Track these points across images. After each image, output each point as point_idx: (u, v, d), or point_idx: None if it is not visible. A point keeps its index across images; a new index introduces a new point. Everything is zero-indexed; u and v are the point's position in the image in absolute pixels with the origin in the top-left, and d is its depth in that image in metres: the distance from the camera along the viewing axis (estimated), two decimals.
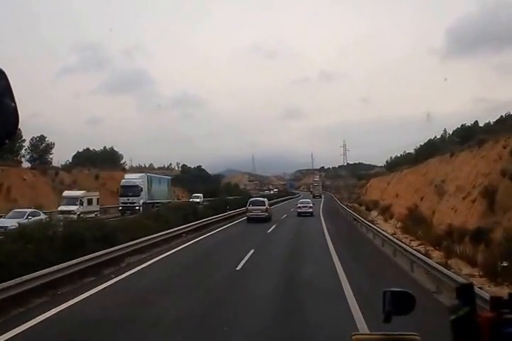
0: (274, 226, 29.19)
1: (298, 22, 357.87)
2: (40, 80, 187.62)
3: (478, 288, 9.81)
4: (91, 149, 77.18)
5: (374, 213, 49.96)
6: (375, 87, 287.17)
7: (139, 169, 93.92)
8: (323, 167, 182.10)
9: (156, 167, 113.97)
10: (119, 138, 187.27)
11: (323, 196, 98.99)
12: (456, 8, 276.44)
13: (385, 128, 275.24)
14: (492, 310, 1.26)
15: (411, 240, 26.14)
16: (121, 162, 77.71)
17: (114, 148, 77.20)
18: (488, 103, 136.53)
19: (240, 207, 42.45)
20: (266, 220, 32.41)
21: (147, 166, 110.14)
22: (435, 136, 58.12)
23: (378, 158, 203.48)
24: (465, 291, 1.30)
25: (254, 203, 34.40)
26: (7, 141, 1.11)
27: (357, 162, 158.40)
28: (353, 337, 1.83)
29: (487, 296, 3.39)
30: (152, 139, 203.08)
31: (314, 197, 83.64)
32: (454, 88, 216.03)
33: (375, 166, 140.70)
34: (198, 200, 55.25)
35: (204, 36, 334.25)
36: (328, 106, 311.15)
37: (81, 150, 76.10)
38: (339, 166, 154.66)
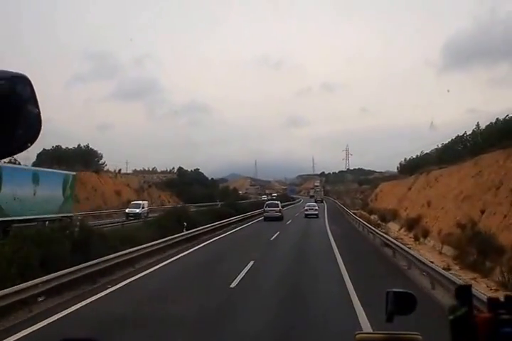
0: (248, 267, 15.16)
1: (303, 35, 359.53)
2: (52, 86, 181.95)
3: None
4: (63, 147, 63.86)
5: (394, 226, 38.42)
6: (375, 97, 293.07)
7: (140, 172, 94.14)
8: (323, 172, 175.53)
9: (159, 171, 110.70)
10: (124, 143, 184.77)
11: (325, 201, 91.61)
12: (452, 25, 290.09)
13: (384, 136, 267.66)
14: (489, 311, 1.27)
15: (493, 290, 14.53)
16: (100, 162, 64.38)
17: (90, 146, 64.16)
18: (480, 114, 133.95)
19: (216, 219, 30.56)
20: (279, 219, 39.58)
21: (150, 169, 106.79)
22: (464, 132, 47.32)
23: (376, 165, 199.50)
24: (463, 292, 1.31)
25: (269, 205, 43.43)
26: (29, 145, 1.13)
27: (357, 168, 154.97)
28: (357, 336, 1.82)
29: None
30: (160, 145, 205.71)
31: (316, 201, 77.86)
32: (449, 99, 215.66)
33: (374, 172, 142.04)
34: (137, 211, 40.70)
35: (212, 47, 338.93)
36: (329, 115, 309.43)
37: (48, 147, 62.61)
38: (339, 171, 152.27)
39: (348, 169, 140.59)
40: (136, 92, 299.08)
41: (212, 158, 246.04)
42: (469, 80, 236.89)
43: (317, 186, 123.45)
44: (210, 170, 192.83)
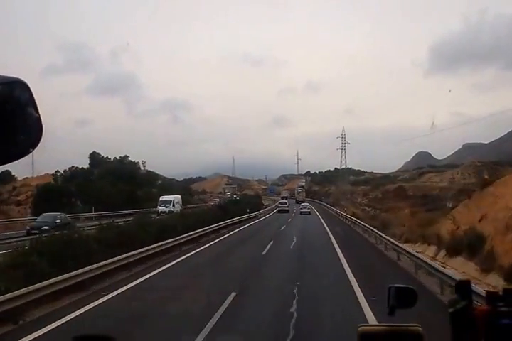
0: None
1: (287, 33, 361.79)
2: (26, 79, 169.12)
3: None
4: None
5: None
6: (361, 97, 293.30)
7: None
8: (309, 171, 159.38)
9: None
10: (103, 140, 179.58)
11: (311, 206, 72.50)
12: (439, 29, 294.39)
13: (372, 138, 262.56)
14: (488, 304, 1.30)
15: None
16: None
17: None
18: (463, 117, 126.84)
19: None
20: (288, 211, 57.85)
21: None
22: None
23: (363, 166, 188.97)
24: (463, 287, 1.34)
25: (281, 202, 65.49)
26: (31, 150, 1.13)
27: (345, 167, 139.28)
28: (360, 329, 1.78)
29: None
30: (138, 142, 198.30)
31: (297, 202, 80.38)
32: (433, 102, 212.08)
33: (364, 172, 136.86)
34: None
35: (193, 43, 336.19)
36: (315, 115, 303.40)
37: None
38: (326, 171, 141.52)
39: (336, 168, 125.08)
40: (113, 87, 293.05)
41: (197, 157, 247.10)
42: (456, 82, 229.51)
43: (301, 186, 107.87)
44: (195, 169, 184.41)
